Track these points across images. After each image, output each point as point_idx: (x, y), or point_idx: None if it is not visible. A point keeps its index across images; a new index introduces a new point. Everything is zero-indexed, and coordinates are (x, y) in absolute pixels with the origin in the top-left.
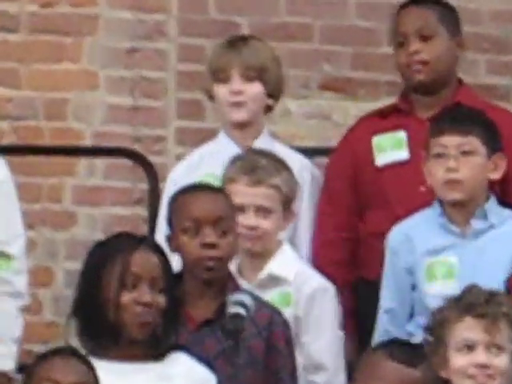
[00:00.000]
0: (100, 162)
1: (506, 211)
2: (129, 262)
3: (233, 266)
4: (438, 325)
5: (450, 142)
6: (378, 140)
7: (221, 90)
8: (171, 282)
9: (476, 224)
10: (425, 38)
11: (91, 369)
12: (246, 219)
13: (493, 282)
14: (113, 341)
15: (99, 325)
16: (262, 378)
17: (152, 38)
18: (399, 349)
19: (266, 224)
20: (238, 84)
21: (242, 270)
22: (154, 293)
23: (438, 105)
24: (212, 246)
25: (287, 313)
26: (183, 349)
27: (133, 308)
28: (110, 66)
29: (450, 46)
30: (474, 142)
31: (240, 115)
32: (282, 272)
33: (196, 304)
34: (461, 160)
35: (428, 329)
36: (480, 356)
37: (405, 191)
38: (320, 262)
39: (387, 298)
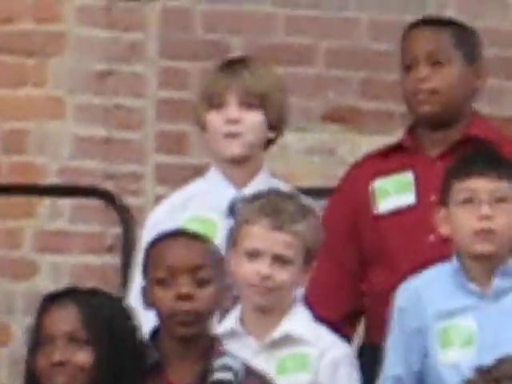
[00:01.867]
0: (66, 203)
1: None
2: (41, 323)
3: (230, 323)
4: None
5: (483, 186)
6: (380, 183)
7: (214, 118)
8: (104, 336)
9: (499, 283)
10: (436, 64)
11: None
12: (260, 267)
13: None
14: None
15: None
16: None
17: (128, 59)
18: None
19: (282, 275)
20: (235, 111)
21: (247, 326)
22: (71, 349)
23: (448, 141)
24: (187, 297)
25: (303, 378)
26: None
27: (46, 370)
28: (80, 92)
29: (466, 74)
30: (508, 188)
31: (236, 148)
32: (299, 331)
33: (175, 368)
34: (495, 207)
35: None
36: None
37: (411, 242)
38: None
39: (393, 364)
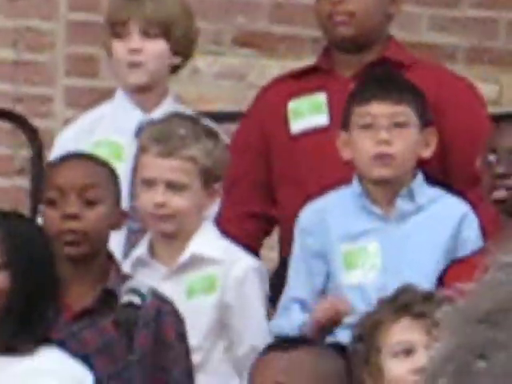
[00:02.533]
0: None
1: (434, 190)
2: None
3: (143, 249)
4: (370, 328)
5: (381, 110)
6: (294, 104)
7: (118, 47)
8: (21, 258)
9: (402, 205)
10: None
11: None
12: (154, 195)
13: (420, 271)
14: None
15: None
16: (151, 377)
17: None
18: (285, 339)
19: (177, 201)
20: (136, 41)
21: (156, 252)
22: None
23: (362, 63)
24: (74, 216)
25: (212, 298)
26: (55, 342)
27: None
28: None
29: None
30: (407, 113)
31: (138, 77)
32: (206, 251)
33: (72, 290)
34: (393, 132)
35: (357, 336)
36: (421, 360)
37: (322, 163)
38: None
39: (296, 286)
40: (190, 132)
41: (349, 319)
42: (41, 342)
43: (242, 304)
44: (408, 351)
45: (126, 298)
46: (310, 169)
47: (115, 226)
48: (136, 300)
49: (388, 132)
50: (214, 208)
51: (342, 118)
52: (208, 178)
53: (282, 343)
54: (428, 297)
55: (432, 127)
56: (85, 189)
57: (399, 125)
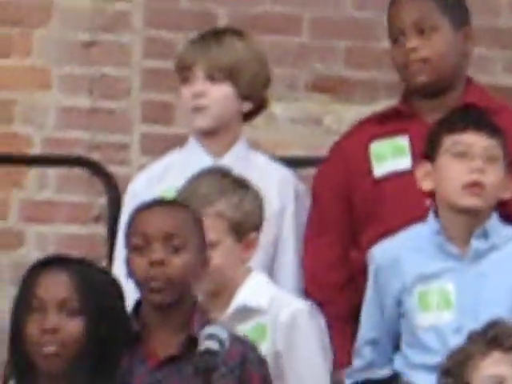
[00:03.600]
0: (52, 173)
1: (508, 229)
2: (31, 290)
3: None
4: (459, 363)
5: (477, 140)
6: (376, 147)
7: (184, 92)
8: (94, 305)
9: (477, 244)
10: (424, 32)
11: None
12: None
13: (497, 311)
14: (32, 376)
15: (18, 359)
16: None
17: (114, 29)
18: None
19: (212, 259)
20: (200, 85)
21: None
22: (63, 317)
23: (444, 107)
24: (160, 263)
25: (264, 348)
26: None
27: (36, 337)
28: (65, 62)
29: (456, 39)
30: (499, 148)
31: (202, 121)
32: (252, 302)
33: (157, 338)
34: (486, 164)
35: (445, 370)
36: None
37: (407, 205)
38: (318, 287)
39: (369, 328)
40: (214, 188)
41: (425, 359)
42: None
43: (293, 350)
44: None
45: (204, 345)
46: (393, 211)
47: (200, 272)
48: (214, 346)
49: (483, 162)
50: (255, 256)
51: (426, 149)
52: (240, 230)
53: None
54: None
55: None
56: (170, 236)
57: (492, 158)
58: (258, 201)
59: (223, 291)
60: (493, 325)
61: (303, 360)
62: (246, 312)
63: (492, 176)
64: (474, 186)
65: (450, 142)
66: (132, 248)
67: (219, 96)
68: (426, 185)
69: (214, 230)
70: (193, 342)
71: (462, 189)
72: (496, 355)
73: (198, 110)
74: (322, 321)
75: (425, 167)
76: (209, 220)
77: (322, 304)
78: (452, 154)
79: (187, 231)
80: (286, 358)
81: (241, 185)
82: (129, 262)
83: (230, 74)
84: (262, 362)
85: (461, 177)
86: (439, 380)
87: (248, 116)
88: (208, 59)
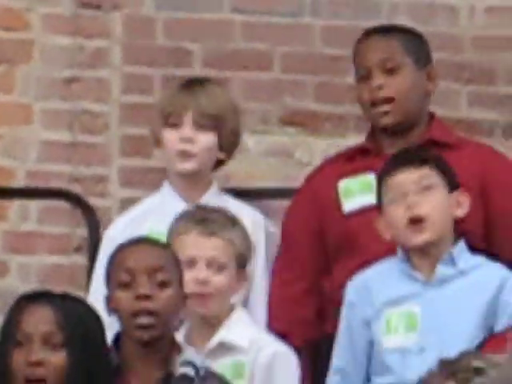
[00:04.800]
0: (34, 205)
1: (477, 258)
2: (17, 322)
3: (180, 336)
4: None
5: (407, 178)
6: (344, 184)
7: (170, 136)
8: (77, 339)
9: (442, 270)
10: (389, 72)
11: None
12: (197, 273)
13: (459, 335)
14: None
15: None
16: None
17: (93, 66)
18: None
19: (218, 279)
20: (189, 131)
21: (190, 337)
22: (47, 350)
23: (408, 143)
24: (146, 297)
25: None
26: None
27: (22, 369)
28: (46, 98)
29: (419, 78)
30: (431, 175)
31: (188, 165)
32: (234, 339)
33: (136, 373)
34: (421, 195)
35: None
36: None
37: (375, 239)
38: (279, 320)
39: (338, 356)
40: (225, 218)
41: (388, 380)
42: None
43: None
44: None
45: (181, 370)
46: (363, 245)
47: (180, 308)
48: (190, 372)
49: (416, 196)
50: (241, 293)
51: (377, 202)
52: (240, 261)
53: None
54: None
55: (462, 189)
56: (155, 271)
57: (427, 187)
58: (249, 239)
59: (212, 320)
60: (462, 356)
61: None
62: (226, 348)
63: (430, 204)
64: (415, 223)
65: (384, 189)
66: (117, 284)
67: (206, 144)
68: (387, 236)
69: (224, 254)
70: (170, 378)
71: (406, 229)
72: None
73: (185, 154)
74: (295, 362)
75: (382, 220)
76: (222, 242)
77: (282, 336)
78: (389, 200)
79: (171, 267)
80: None
81: (238, 221)
82: (110, 300)
83: (215, 124)
84: None
85: (400, 217)
86: None
87: (216, 164)
88: (198, 107)
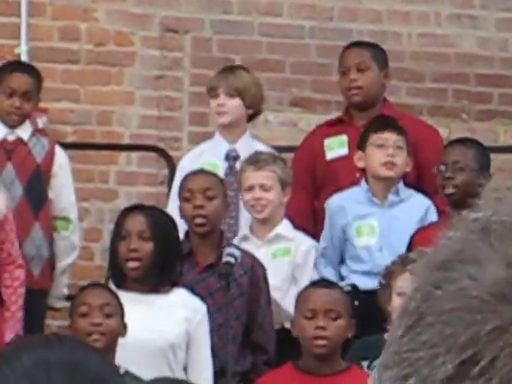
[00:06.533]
0: (135, 155)
1: (409, 190)
2: (122, 224)
3: (245, 228)
4: (387, 275)
5: (390, 137)
6: (327, 142)
7: (212, 103)
8: (160, 234)
9: (391, 198)
10: (361, 70)
11: (115, 296)
12: (254, 194)
13: (403, 238)
14: (122, 279)
15: (114, 268)
16: (247, 305)
17: (172, 68)
18: (321, 282)
19: (268, 196)
20: (222, 99)
21: (253, 230)
22: (141, 242)
23: (370, 117)
24: (200, 207)
25: (287, 259)
26: (189, 286)
27: (125, 255)
28: (143, 88)
29: (380, 76)
30: (403, 141)
31: (222, 119)
32: (285, 233)
33: (200, 253)
34: (396, 151)
35: (381, 278)
36: None
37: (346, 176)
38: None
39: (323, 240)
40: (268, 157)
41: (360, 267)
42: (174, 285)
43: (305, 265)
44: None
45: (225, 259)
46: (339, 179)
47: (224, 214)
48: (231, 260)
49: (393, 150)
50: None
51: (358, 143)
52: (283, 184)
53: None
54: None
55: (410, 155)
56: (206, 189)
57: (399, 147)
58: (288, 169)
59: (268, 221)
60: (411, 254)
61: (308, 269)
62: (278, 238)
63: (399, 158)
64: (388, 164)
65: (374, 138)
66: (183, 199)
67: (234, 106)
68: (360, 164)
69: (270, 179)
70: (219, 261)
71: (381, 166)
72: (407, 273)
73: (220, 113)
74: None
75: (358, 154)
76: (268, 173)
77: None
78: (375, 146)
79: (217, 187)
80: (300, 267)
81: (280, 159)
82: (181, 209)
83: (239, 93)
84: (263, 267)
85: (380, 159)
86: (380, 282)
87: (250, 118)
88: (227, 83)
